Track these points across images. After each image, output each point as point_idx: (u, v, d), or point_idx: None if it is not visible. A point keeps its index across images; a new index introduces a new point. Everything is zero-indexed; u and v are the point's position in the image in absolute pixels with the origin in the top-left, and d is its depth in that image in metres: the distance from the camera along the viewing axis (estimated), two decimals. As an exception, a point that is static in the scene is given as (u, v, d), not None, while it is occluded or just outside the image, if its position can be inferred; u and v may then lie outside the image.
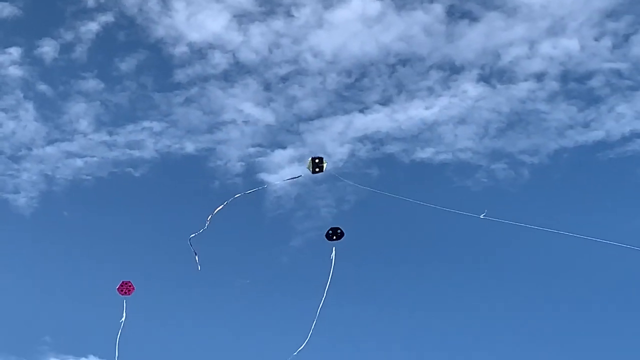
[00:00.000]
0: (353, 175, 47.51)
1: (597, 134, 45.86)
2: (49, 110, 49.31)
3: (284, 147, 48.41)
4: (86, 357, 43.17)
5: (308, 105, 48.77)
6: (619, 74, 46.08)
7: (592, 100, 46.44)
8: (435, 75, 48.11)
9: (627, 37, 46.66)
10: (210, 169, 48.24)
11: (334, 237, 24.08)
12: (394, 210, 47.88)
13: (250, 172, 47.93)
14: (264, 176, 47.49)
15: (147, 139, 48.49)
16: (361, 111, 48.33)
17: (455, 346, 42.93)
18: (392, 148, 47.61)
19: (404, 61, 48.84)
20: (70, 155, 48.13)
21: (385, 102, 48.46)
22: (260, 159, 48.13)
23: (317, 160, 24.04)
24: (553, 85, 46.88)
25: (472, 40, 48.08)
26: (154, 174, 48.80)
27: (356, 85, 48.95)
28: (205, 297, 46.22)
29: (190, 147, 48.46)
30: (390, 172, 48.00)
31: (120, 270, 46.02)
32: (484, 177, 46.17)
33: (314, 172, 24.16)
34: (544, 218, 45.82)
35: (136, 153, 48.28)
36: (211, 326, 45.11)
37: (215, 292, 46.44)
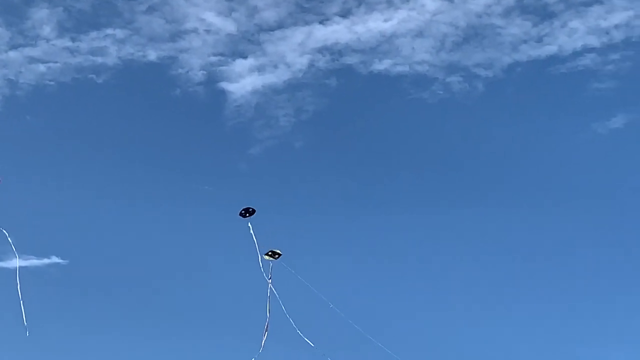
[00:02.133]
0: (312, 86, 48.69)
1: (550, 49, 47.08)
2: (12, 15, 49.47)
3: (244, 57, 49.13)
4: (49, 257, 44.86)
5: (269, 15, 49.31)
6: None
7: (546, 15, 47.52)
8: (395, -13, 48.77)
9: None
10: (172, 77, 48.95)
11: (247, 215, 24.87)
12: (351, 120, 49.45)
13: (212, 80, 48.77)
14: (225, 85, 48.37)
15: (110, 46, 48.89)
16: (321, 22, 48.97)
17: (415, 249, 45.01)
18: (350, 59, 48.52)
19: (365, -27, 49.32)
20: (33, 60, 48.48)
21: (344, 14, 49.12)
22: (221, 68, 48.88)
23: (270, 253, 25.26)
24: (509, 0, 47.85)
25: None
26: (117, 80, 49.40)
27: (317, -4, 49.49)
28: (168, 201, 47.81)
29: (152, 55, 48.99)
30: (348, 83, 49.08)
31: (83, 173, 47.66)
32: (439, 90, 47.45)
33: (275, 258, 25.23)
34: (496, 131, 47.82)
35: (99, 60, 48.74)
36: (175, 230, 46.71)
37: (178, 197, 47.99)
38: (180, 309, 42.01)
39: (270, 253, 25.01)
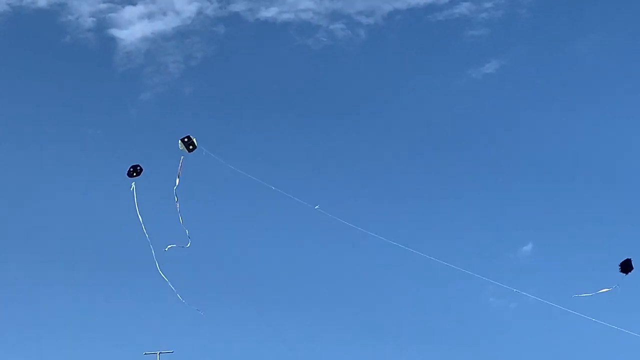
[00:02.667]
0: (200, 33, 49.95)
1: (427, -2, 49.43)
2: None
3: (134, 4, 49.93)
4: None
5: (157, -38, 50.10)
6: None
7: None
8: None
9: None
10: (61, 24, 49.44)
11: (134, 174, 24.76)
12: (239, 67, 50.99)
13: (101, 27, 49.47)
14: (114, 32, 49.18)
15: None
16: (210, -30, 50.05)
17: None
18: (238, 7, 49.92)
19: None
20: None
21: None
22: (111, 14, 49.61)
23: (186, 140, 24.48)
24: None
25: None
26: (6, 27, 49.74)
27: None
28: (59, 145, 48.26)
29: (42, 1, 49.39)
30: (236, 30, 50.52)
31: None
32: (323, 37, 49.38)
33: (189, 150, 24.53)
34: (378, 77, 50.16)
35: (-13, 6, 48.85)
36: (67, 174, 47.70)
37: (69, 141, 48.50)
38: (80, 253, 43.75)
39: (186, 140, 24.45)
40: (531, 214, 44.15)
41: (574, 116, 48.32)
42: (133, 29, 49.14)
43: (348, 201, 44.30)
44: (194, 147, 24.44)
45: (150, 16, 49.56)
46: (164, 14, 49.65)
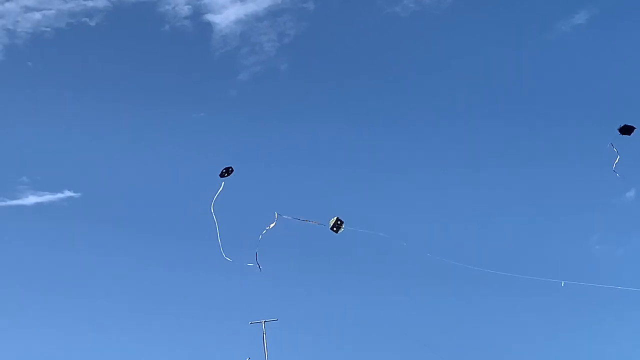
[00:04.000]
0: (291, 11, 51.48)
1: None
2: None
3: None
4: (62, 192, 48.44)
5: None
6: None
7: None
8: None
9: None
10: (159, 14, 51.79)
11: (226, 174, 25.76)
12: (331, 40, 52.46)
13: (197, 14, 51.62)
14: (209, 17, 51.24)
15: (98, -10, 51.74)
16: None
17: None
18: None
19: None
20: (28, 9, 51.39)
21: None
22: (205, 1, 51.71)
23: (339, 222, 24.96)
24: None
25: None
26: (108, 22, 52.32)
27: None
28: (167, 132, 51.24)
29: (139, -6, 51.86)
30: (324, 5, 51.98)
31: (84, 112, 51.08)
32: (410, 3, 50.30)
33: (331, 229, 25.04)
34: (467, 38, 50.85)
35: (90, 3, 51.61)
36: (174, 155, 50.26)
37: (175, 127, 51.41)
38: (186, 234, 46.28)
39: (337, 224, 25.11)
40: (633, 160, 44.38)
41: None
42: (227, 12, 51.08)
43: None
44: (340, 227, 25.02)
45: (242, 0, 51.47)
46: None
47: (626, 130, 25.27)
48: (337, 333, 41.05)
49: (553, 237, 44.40)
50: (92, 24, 51.56)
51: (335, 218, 24.84)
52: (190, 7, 51.32)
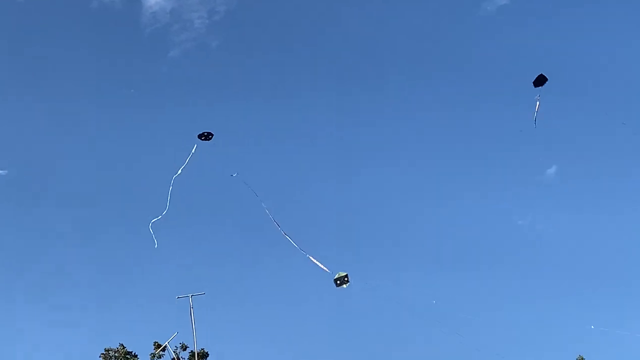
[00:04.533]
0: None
1: None
2: None
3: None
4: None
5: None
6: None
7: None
8: None
9: None
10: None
11: (204, 139, 26.93)
12: (260, 18, 56.69)
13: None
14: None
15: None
16: None
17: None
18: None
19: None
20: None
21: None
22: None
23: (345, 279, 25.56)
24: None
25: None
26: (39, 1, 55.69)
27: None
28: (99, 107, 54.97)
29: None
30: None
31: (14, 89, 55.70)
32: None
33: (337, 285, 25.65)
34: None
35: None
36: (107, 131, 54.96)
37: (107, 102, 55.15)
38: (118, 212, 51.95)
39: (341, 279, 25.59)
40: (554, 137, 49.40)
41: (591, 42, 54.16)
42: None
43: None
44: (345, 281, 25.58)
45: None
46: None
47: (539, 81, 25.54)
48: (263, 308, 47.75)
49: (478, 213, 50.90)
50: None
51: (344, 274, 25.30)
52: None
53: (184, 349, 32.06)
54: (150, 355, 33.03)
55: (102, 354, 34.04)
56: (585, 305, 45.63)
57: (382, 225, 50.93)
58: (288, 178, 53.28)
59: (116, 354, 33.91)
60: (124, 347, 33.92)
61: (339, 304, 42.96)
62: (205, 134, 26.63)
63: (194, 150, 26.28)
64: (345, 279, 25.12)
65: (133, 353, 33.82)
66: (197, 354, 32.09)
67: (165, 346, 31.99)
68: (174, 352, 32.13)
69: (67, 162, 53.84)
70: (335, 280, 25.10)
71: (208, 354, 33.16)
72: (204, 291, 30.33)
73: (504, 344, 40.41)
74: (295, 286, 47.33)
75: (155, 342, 32.83)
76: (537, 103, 25.41)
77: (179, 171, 26.37)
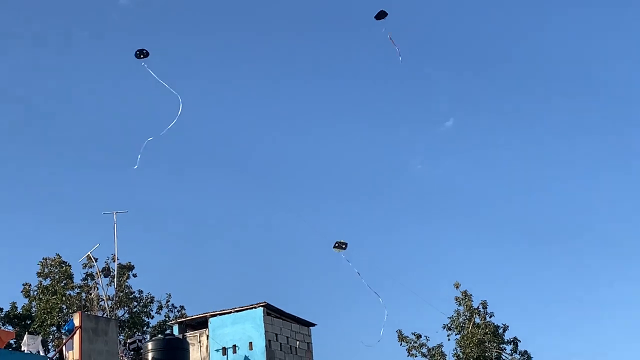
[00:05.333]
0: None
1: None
2: None
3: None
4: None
5: None
6: None
7: None
8: None
9: None
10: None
11: (142, 56, 26.83)
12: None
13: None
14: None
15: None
16: None
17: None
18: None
19: None
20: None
21: None
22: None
23: (343, 245, 26.83)
24: None
25: None
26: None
27: None
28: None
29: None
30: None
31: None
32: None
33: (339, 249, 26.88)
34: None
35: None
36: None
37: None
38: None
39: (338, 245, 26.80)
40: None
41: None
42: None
43: None
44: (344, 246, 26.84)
45: None
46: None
47: (380, 15, 26.34)
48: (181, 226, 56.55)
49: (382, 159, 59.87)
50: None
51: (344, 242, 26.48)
52: None
53: (114, 261, 37.07)
54: (83, 265, 38.23)
55: (40, 262, 39.25)
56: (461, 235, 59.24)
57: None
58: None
59: (52, 263, 39.03)
60: (59, 257, 39.17)
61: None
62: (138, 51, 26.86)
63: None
64: (343, 245, 26.45)
65: (67, 263, 39.10)
66: (124, 265, 37.63)
67: (92, 257, 36.71)
68: (105, 263, 37.31)
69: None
70: (336, 244, 26.48)
71: (133, 266, 38.50)
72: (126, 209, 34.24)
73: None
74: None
75: (88, 254, 37.83)
76: (389, 37, 26.52)
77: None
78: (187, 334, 30.32)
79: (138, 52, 26.41)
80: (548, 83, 64.00)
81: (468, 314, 36.23)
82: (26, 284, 38.32)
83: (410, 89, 63.17)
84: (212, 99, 62.37)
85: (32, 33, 63.07)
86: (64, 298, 36.42)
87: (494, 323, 36.40)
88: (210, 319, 30.16)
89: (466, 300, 36.01)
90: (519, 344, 37.15)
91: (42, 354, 25.87)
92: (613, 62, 63.39)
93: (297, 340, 30.40)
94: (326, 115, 64.05)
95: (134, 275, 38.07)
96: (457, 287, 36.79)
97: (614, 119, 63.43)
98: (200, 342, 30.14)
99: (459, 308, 36.30)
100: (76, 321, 25.33)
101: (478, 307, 35.99)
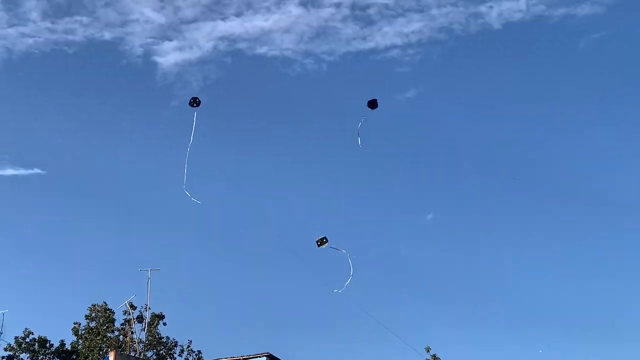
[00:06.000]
0: (215, 61, 72.53)
1: (370, 44, 72.24)
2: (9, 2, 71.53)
3: (170, 40, 72.62)
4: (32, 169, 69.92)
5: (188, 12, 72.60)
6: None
7: (369, 22, 72.14)
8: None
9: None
10: (120, 51, 72.16)
11: (195, 104, 29.44)
12: (243, 86, 74.39)
13: (147, 54, 72.21)
14: (156, 58, 71.79)
15: (78, 28, 72.00)
16: (222, 19, 72.49)
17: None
18: (241, 45, 72.68)
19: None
20: (24, 35, 71.23)
21: (238, 14, 72.57)
22: (155, 47, 72.27)
23: (324, 240, 28.14)
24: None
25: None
26: (83, 52, 72.66)
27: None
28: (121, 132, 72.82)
29: (107, 35, 72.16)
30: (239, 61, 73.38)
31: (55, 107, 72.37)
32: (298, 68, 72.13)
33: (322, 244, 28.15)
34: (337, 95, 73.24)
35: (70, 37, 71.54)
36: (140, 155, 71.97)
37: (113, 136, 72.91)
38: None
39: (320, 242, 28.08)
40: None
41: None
42: (169, 57, 71.75)
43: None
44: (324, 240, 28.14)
45: (181, 49, 72.28)
46: (191, 47, 72.25)
47: (371, 104, 28.09)
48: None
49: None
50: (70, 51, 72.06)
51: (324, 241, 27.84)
52: (142, 49, 71.70)
53: (147, 310, 44.15)
54: (123, 312, 45.39)
55: (89, 307, 46.44)
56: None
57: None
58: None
59: (99, 309, 46.19)
60: (106, 304, 46.35)
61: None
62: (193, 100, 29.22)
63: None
64: (324, 240, 27.83)
65: (112, 309, 46.23)
66: (157, 315, 44.76)
67: (131, 305, 44.11)
68: (139, 311, 44.45)
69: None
70: (318, 242, 27.87)
71: (164, 316, 45.54)
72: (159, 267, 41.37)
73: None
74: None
75: (129, 303, 45.09)
76: (360, 124, 28.59)
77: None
78: (201, 375, 36.75)
79: (192, 100, 29.06)
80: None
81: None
82: (77, 322, 45.43)
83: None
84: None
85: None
86: (104, 339, 43.43)
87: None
88: (221, 363, 36.51)
89: (435, 362, 41.70)
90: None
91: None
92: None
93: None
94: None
95: (164, 324, 45.09)
96: (428, 350, 42.59)
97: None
98: (211, 382, 36.47)
99: (428, 370, 41.90)
100: (111, 358, 32.11)
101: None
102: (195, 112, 29.64)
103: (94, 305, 45.82)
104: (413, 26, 71.36)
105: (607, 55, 71.63)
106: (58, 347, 44.84)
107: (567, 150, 73.71)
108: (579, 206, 71.28)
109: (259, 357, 34.88)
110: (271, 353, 35.15)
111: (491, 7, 68.79)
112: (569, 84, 73.38)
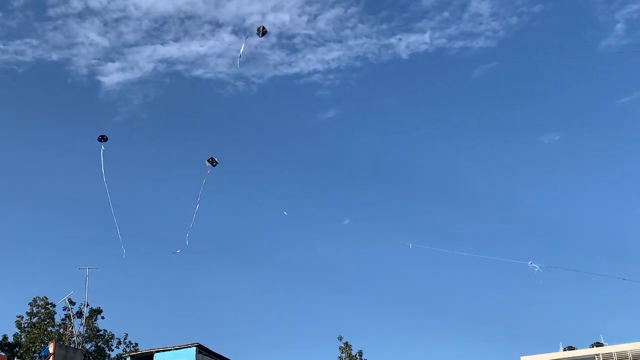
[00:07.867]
0: (155, 82, 74.95)
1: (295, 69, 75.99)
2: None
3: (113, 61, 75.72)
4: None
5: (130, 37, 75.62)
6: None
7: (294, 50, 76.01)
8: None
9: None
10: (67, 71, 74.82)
11: (214, 164, 30.99)
12: (179, 104, 78.02)
13: (92, 74, 75.22)
14: (100, 78, 74.76)
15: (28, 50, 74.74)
16: (162, 44, 75.90)
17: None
18: (178, 67, 76.18)
19: None
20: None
21: (177, 39, 75.49)
22: (99, 67, 75.42)
23: (214, 160, 30.50)
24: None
25: None
26: (31, 71, 76.15)
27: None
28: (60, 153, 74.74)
29: (55, 56, 75.05)
30: (177, 82, 76.13)
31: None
32: (231, 89, 76.39)
33: (212, 165, 30.53)
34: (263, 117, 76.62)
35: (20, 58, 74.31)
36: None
37: (67, 150, 75.08)
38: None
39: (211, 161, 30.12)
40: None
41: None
42: (112, 76, 75.53)
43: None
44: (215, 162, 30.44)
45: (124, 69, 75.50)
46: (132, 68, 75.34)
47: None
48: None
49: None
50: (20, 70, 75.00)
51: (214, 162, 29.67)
52: (87, 70, 74.38)
53: (86, 306, 47.03)
54: (63, 307, 47.96)
55: (30, 302, 48.33)
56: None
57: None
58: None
59: (41, 303, 48.62)
60: (47, 299, 48.69)
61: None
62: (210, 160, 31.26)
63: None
64: (215, 161, 30.40)
65: (52, 303, 48.47)
66: (95, 309, 47.72)
67: (70, 301, 46.80)
68: (79, 307, 47.28)
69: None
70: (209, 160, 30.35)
71: (102, 310, 48.24)
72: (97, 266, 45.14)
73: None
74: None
75: (68, 298, 47.72)
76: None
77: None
78: (138, 365, 39.57)
79: (100, 137, 31.81)
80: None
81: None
82: (19, 316, 47.81)
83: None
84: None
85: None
86: (45, 332, 46.08)
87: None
88: (155, 354, 38.78)
89: (347, 349, 45.76)
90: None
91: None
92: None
93: (226, 376, 38.34)
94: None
95: (102, 318, 48.02)
96: (340, 339, 46.65)
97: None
98: (147, 371, 39.23)
99: (341, 355, 45.97)
100: (51, 349, 35.00)
101: (356, 354, 45.77)
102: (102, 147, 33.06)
103: (35, 300, 48.24)
104: (333, 54, 78.09)
105: (497, 82, 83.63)
106: (1, 340, 47.18)
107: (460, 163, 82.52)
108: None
109: (190, 347, 38.01)
110: (201, 344, 38.25)
111: (400, 39, 79.27)
112: (465, 106, 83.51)
